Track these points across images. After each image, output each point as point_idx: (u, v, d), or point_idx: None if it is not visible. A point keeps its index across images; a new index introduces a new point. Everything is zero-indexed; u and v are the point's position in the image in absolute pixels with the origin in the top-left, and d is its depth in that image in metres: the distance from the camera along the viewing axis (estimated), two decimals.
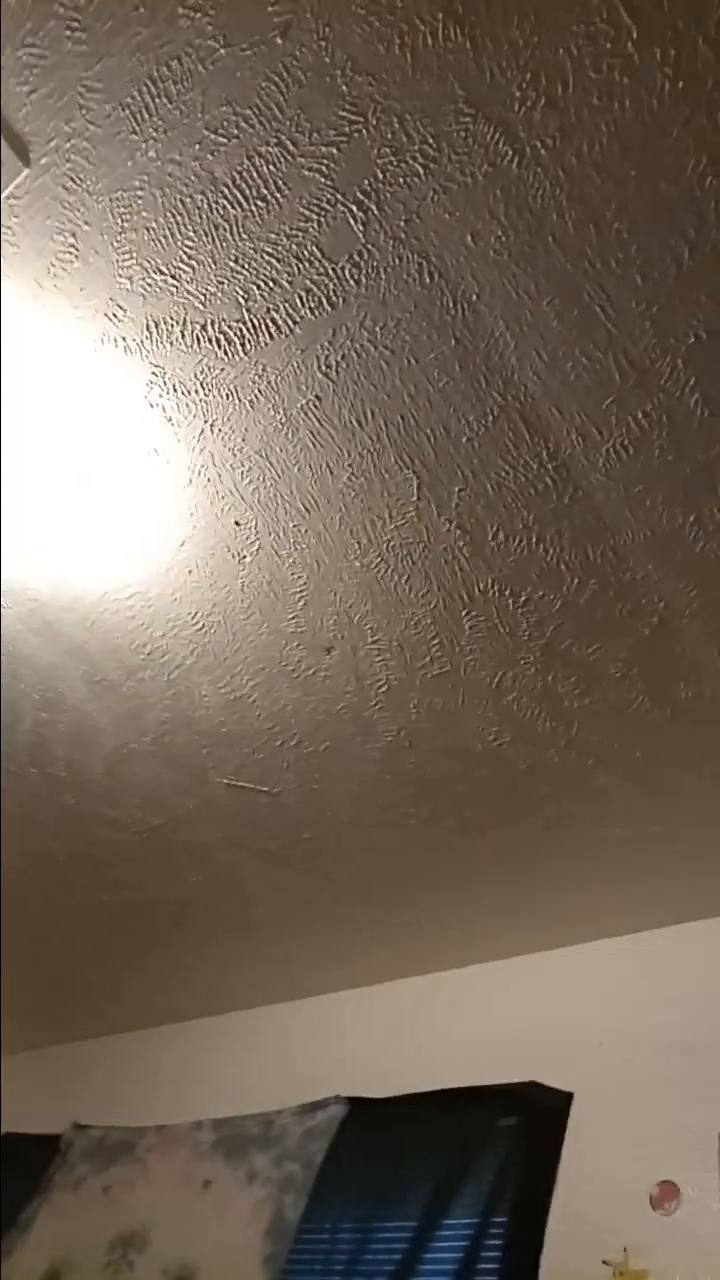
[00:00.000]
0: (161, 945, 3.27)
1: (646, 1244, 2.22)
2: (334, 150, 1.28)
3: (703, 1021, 2.49)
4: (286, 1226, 2.79)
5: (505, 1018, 2.91)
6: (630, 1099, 2.47)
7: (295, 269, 1.42)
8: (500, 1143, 2.60)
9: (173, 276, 1.45)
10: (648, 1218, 2.26)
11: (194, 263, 1.43)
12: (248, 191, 1.34)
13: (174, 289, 1.46)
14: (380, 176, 1.30)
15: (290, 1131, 3.05)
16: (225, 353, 1.53)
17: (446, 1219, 2.55)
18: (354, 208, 1.34)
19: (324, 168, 1.30)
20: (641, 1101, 2.45)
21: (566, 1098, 2.57)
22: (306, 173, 1.31)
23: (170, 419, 1.64)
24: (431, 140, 1.26)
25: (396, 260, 1.39)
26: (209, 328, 1.50)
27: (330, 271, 1.41)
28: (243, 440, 1.66)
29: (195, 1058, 3.67)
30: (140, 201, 1.37)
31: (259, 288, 1.44)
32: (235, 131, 1.28)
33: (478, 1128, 2.67)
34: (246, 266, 1.42)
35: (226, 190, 1.34)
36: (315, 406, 1.59)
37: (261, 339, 1.51)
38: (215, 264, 1.43)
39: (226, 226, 1.38)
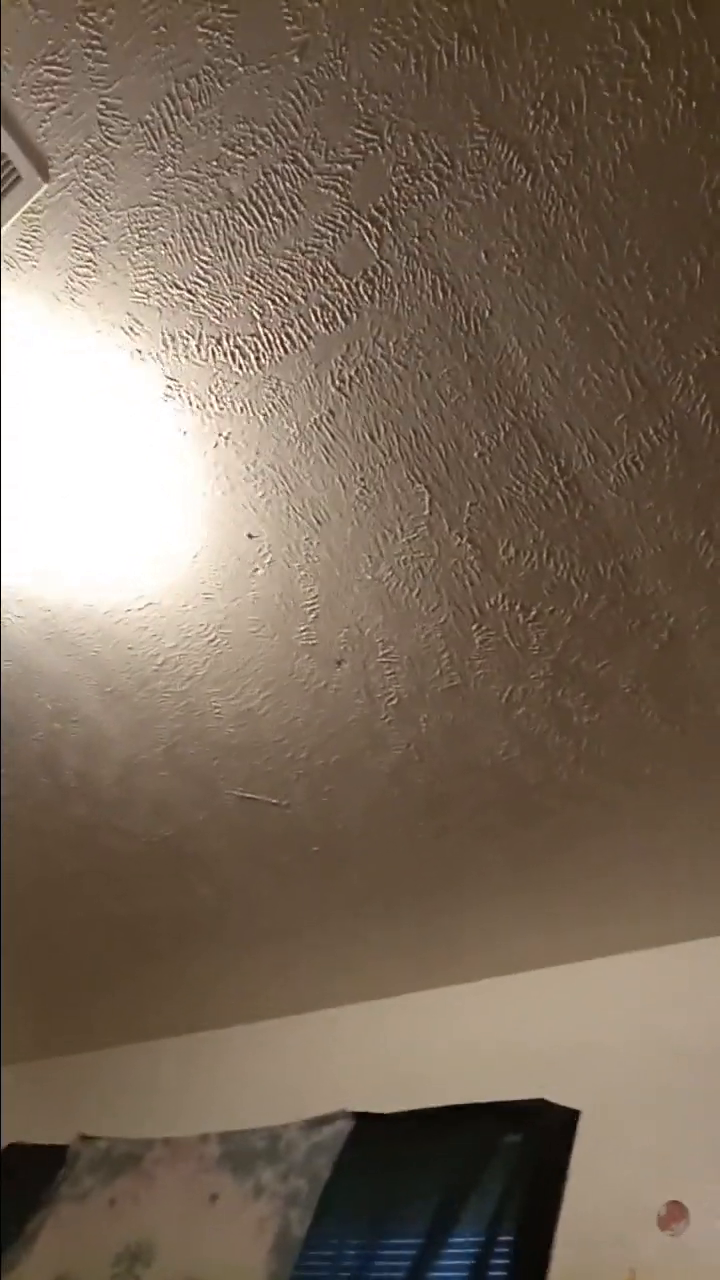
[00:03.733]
0: (169, 956, 3.26)
1: (654, 1264, 2.20)
2: (349, 167, 1.30)
3: (713, 1037, 2.47)
4: (292, 1243, 2.77)
5: (513, 1032, 2.89)
6: (638, 1116, 2.45)
7: (310, 284, 1.43)
8: (507, 1160, 2.59)
9: (189, 291, 1.46)
10: (655, 1238, 2.24)
11: (210, 277, 1.44)
12: (264, 208, 1.35)
13: (190, 303, 1.48)
14: (395, 194, 1.32)
15: (297, 1146, 3.03)
16: (240, 366, 1.55)
17: (452, 1236, 2.54)
18: (369, 224, 1.35)
19: (339, 184, 1.32)
20: (649, 1118, 2.43)
21: (573, 1115, 2.55)
22: (322, 189, 1.33)
23: (185, 432, 1.65)
24: (446, 158, 1.28)
25: (410, 277, 1.40)
26: (224, 341, 1.52)
27: (345, 287, 1.42)
28: (256, 453, 1.67)
29: (201, 1070, 3.66)
30: (158, 217, 1.38)
31: (274, 302, 1.46)
32: (252, 148, 1.30)
33: (484, 1144, 2.65)
34: (262, 281, 1.44)
35: (243, 206, 1.36)
36: (328, 420, 1.60)
37: (276, 353, 1.52)
38: (231, 279, 1.44)
39: (242, 242, 1.39)
